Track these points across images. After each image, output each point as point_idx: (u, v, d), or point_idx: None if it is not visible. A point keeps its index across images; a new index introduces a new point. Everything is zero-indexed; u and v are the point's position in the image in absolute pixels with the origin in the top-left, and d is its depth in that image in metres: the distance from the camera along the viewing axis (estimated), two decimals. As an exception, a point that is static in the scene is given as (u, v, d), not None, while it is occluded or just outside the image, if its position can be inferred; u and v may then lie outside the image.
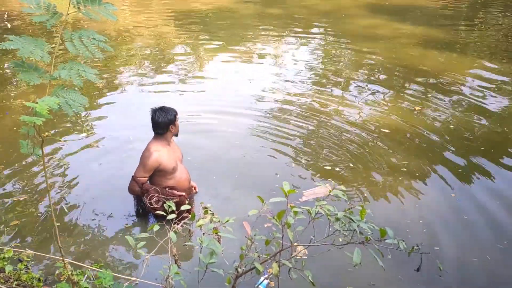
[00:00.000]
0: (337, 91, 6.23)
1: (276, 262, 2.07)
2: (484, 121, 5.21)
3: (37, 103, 1.59)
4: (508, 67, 7.06)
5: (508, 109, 5.56)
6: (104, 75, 6.84)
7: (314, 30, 9.90)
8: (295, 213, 2.06)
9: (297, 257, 2.16)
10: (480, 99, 5.80)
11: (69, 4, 1.89)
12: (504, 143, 4.77)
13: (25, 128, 1.77)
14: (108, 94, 6.13)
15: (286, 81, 6.61)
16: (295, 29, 9.96)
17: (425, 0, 13.35)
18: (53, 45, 1.98)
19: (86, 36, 1.92)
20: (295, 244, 2.10)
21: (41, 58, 1.81)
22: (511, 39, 8.81)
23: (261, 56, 7.91)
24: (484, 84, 6.32)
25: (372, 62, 7.39)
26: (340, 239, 2.02)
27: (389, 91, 6.17)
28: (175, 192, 3.33)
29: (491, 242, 3.30)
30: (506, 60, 7.46)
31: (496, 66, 7.10)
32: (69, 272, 1.99)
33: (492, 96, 5.92)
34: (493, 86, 6.25)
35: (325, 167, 4.31)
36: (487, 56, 7.75)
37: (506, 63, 7.31)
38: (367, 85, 6.37)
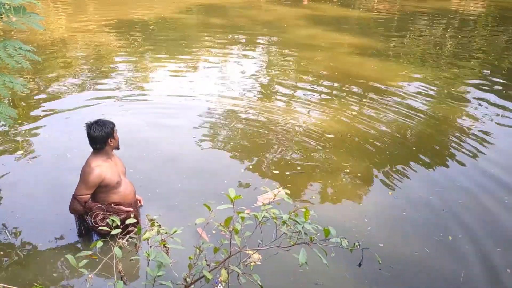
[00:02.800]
0: (280, 99, 6.40)
1: (225, 268, 2.08)
2: (414, 123, 5.61)
3: None
4: (434, 73, 7.68)
5: (434, 111, 6.04)
6: (37, 86, 6.47)
7: (257, 39, 10.10)
8: (242, 218, 2.09)
9: (251, 263, 2.18)
10: (410, 103, 6.24)
11: None
12: (432, 142, 5.17)
13: None
14: (43, 106, 5.81)
15: (230, 89, 6.67)
16: (239, 38, 10.11)
17: (359, 12, 14.18)
18: None
19: (11, 46, 1.83)
20: (244, 249, 2.13)
21: None
22: (437, 48, 9.59)
23: (205, 66, 7.93)
24: (414, 89, 6.82)
25: (313, 70, 7.69)
26: (290, 242, 2.07)
27: (330, 98, 6.45)
28: (122, 208, 3.21)
29: (428, 235, 3.54)
30: (433, 67, 8.11)
31: (424, 73, 7.70)
32: (3, 297, 1.85)
33: (421, 100, 6.40)
34: (422, 91, 6.76)
35: (274, 171, 4.40)
36: (416, 63, 8.37)
37: (433, 69, 7.95)
38: (309, 92, 6.61)
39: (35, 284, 2.72)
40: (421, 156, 4.80)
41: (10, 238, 3.33)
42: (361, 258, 2.17)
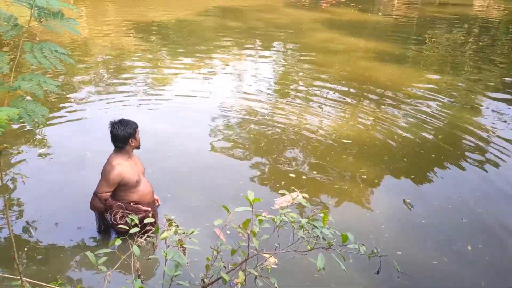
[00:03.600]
0: (297, 103, 6.39)
1: (242, 271, 2.09)
2: (432, 130, 5.54)
3: None
4: (454, 80, 7.57)
5: (453, 118, 5.95)
6: (61, 87, 6.60)
7: (273, 43, 10.12)
8: (260, 221, 2.09)
9: (268, 267, 2.18)
10: (429, 109, 6.16)
11: (31, 17, 1.87)
12: (451, 150, 5.09)
13: None
14: (64, 106, 5.93)
15: (247, 92, 6.70)
16: (255, 41, 10.14)
17: (378, 17, 14.08)
18: (10, 54, 1.96)
19: (47, 48, 1.90)
20: (262, 252, 2.13)
21: (0, 69, 1.76)
22: (456, 54, 9.46)
23: (221, 68, 7.97)
24: (431, 96, 6.73)
25: (330, 74, 7.66)
26: (308, 247, 2.07)
27: (347, 102, 6.42)
28: (141, 207, 3.26)
29: (447, 244, 3.48)
30: (452, 73, 8.00)
31: (443, 79, 7.59)
32: (27, 291, 1.90)
33: (439, 106, 6.31)
34: (441, 97, 6.67)
35: (290, 174, 4.40)
36: (435, 69, 8.26)
37: (453, 76, 7.83)
38: (325, 96, 6.58)
39: (56, 279, 2.77)
40: (440, 164, 4.73)
41: (34, 235, 3.39)
42: (379, 265, 2.15)
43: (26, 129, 5.17)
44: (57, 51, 1.91)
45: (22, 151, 4.67)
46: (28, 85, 1.82)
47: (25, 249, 3.25)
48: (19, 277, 1.85)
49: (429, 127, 5.61)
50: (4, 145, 1.71)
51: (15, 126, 5.15)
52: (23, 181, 3.86)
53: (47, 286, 2.08)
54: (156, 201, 3.58)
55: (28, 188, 3.96)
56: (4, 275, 2.72)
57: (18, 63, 1.88)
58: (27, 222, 3.54)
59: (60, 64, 1.88)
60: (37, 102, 1.85)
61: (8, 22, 1.88)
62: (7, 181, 4.06)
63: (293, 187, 4.10)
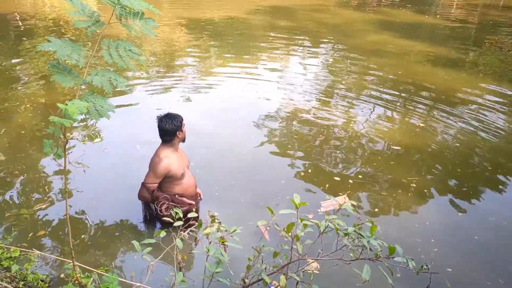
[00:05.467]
0: (345, 105, 6.24)
1: (284, 274, 2.06)
2: (489, 141, 5.20)
3: (67, 105, 1.61)
4: (515, 89, 7.07)
5: (514, 130, 5.56)
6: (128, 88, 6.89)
7: (323, 43, 9.96)
8: (305, 226, 2.05)
9: (309, 271, 2.14)
10: (486, 119, 5.79)
11: (112, 15, 1.92)
12: (508, 162, 4.75)
13: (52, 128, 1.79)
14: (116, 98, 6.17)
15: (294, 92, 6.64)
16: (305, 41, 10.03)
17: (434, 19, 13.45)
18: (87, 49, 2.06)
19: (122, 47, 1.96)
20: (305, 257, 2.09)
21: (77, 62, 1.84)
22: (519, 61, 8.83)
23: (269, 67, 7.96)
24: (489, 104, 6.33)
25: (380, 77, 7.42)
26: (351, 254, 2.00)
27: (397, 107, 6.18)
28: (186, 200, 3.33)
29: (503, 264, 3.26)
30: (514, 82, 7.47)
31: (503, 87, 7.10)
32: (78, 275, 1.98)
33: (497, 116, 5.92)
34: (499, 107, 6.25)
35: (335, 178, 4.30)
36: (494, 77, 7.76)
37: (514, 84, 7.32)
38: (375, 100, 6.38)
39: (104, 266, 2.89)
40: (496, 178, 4.43)
41: (90, 222, 3.56)
42: (428, 283, 2.03)
43: (81, 118, 5.43)
44: (131, 50, 1.97)
45: (79, 141, 4.90)
46: (99, 81, 1.88)
47: (79, 235, 3.41)
48: (71, 261, 1.93)
49: (486, 137, 5.27)
50: (71, 134, 1.80)
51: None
52: (84, 170, 4.04)
53: (95, 271, 2.16)
54: (198, 195, 3.64)
55: (81, 178, 4.15)
56: (58, 257, 2.87)
57: (93, 58, 1.96)
58: (83, 211, 3.69)
59: (132, 64, 1.93)
60: (105, 98, 1.92)
61: (91, 18, 1.92)
62: (63, 169, 4.27)
63: (340, 193, 4.01)
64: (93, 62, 6.12)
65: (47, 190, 3.96)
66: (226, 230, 2.31)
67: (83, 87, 1.95)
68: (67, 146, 1.97)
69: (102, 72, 1.93)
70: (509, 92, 6.85)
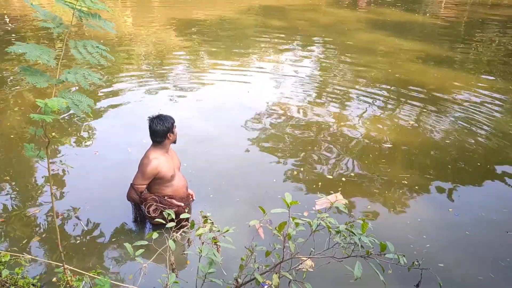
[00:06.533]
0: (336, 103, 6.26)
1: (277, 273, 2.06)
2: (479, 137, 5.25)
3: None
4: (503, 85, 7.14)
5: (502, 125, 5.61)
6: (102, 81, 6.84)
7: (315, 42, 9.99)
8: (297, 224, 2.05)
9: (303, 269, 2.14)
10: (475, 115, 5.85)
11: (72, 17, 2.03)
12: (498, 158, 4.80)
13: (33, 129, 1.80)
14: (105, 100, 6.13)
15: (285, 92, 6.64)
16: (296, 41, 10.05)
17: (424, 18, 13.56)
18: (58, 50, 2.14)
19: (90, 45, 2.06)
20: (298, 255, 2.09)
21: (47, 62, 1.90)
22: (507, 58, 8.93)
23: (261, 66, 7.96)
24: (479, 100, 6.39)
25: (371, 75, 7.45)
26: (343, 252, 2.01)
27: (389, 105, 6.22)
28: (174, 201, 3.32)
29: (494, 259, 3.29)
30: (502, 78, 7.55)
31: (492, 84, 7.18)
32: (69, 278, 1.97)
33: (487, 112, 5.98)
34: (489, 103, 6.32)
35: (327, 176, 4.32)
36: (483, 73, 7.84)
37: (502, 81, 7.40)
38: (366, 98, 6.41)
39: (95, 268, 2.87)
40: (486, 173, 4.48)
41: (82, 225, 3.53)
42: (419, 279, 2.04)
43: (72, 120, 5.39)
44: (99, 47, 2.06)
45: (68, 143, 4.86)
46: (74, 78, 1.94)
47: (71, 238, 3.38)
48: (62, 264, 1.92)
49: (476, 133, 5.33)
50: (53, 134, 1.79)
51: (64, 117, 5.38)
52: (68, 171, 4.02)
53: (87, 274, 2.14)
54: (191, 196, 3.63)
55: (70, 180, 4.13)
56: (48, 261, 2.84)
57: (69, 59, 2.01)
58: (75, 214, 3.66)
59: (102, 59, 2.01)
60: (82, 94, 1.97)
61: (54, 21, 2.03)
62: (55, 172, 4.24)
63: (331, 191, 4.02)
64: (67, 64, 6.06)
65: (39, 194, 3.93)
66: (218, 230, 2.31)
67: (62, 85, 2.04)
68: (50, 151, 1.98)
69: (74, 69, 2.03)
70: (497, 89, 6.92)
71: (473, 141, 5.15)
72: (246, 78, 7.26)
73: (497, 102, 6.39)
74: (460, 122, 5.65)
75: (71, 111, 2.13)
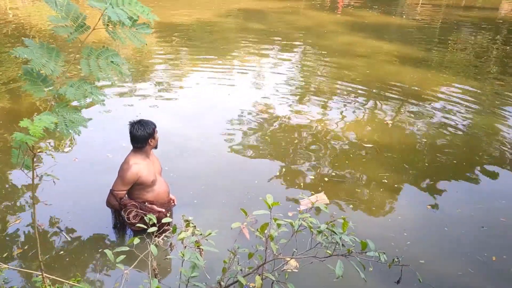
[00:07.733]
0: (317, 105, 6.32)
1: (259, 275, 2.07)
2: (455, 136, 5.39)
3: (33, 120, 1.50)
4: (478, 85, 7.36)
5: (477, 124, 5.78)
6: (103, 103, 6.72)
7: (295, 45, 10.07)
8: (279, 225, 2.06)
9: (288, 270, 2.15)
10: (451, 115, 6.01)
11: (99, 20, 1.71)
12: (473, 156, 4.94)
13: (17, 143, 1.66)
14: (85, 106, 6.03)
15: (266, 94, 6.67)
16: (276, 44, 10.10)
17: (401, 20, 13.84)
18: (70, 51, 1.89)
19: (104, 57, 1.78)
20: (281, 256, 2.10)
21: (52, 72, 1.68)
22: (481, 58, 9.20)
23: (242, 69, 7.97)
24: (455, 100, 6.56)
25: (350, 77, 7.56)
26: (326, 251, 2.03)
27: (367, 106, 6.32)
28: (155, 207, 3.27)
29: (472, 254, 3.37)
30: (477, 78, 7.78)
31: (467, 85, 7.39)
32: (48, 287, 1.92)
33: (463, 112, 6.15)
34: (464, 102, 6.49)
35: (310, 176, 4.35)
36: (459, 74, 8.06)
37: (477, 81, 7.62)
38: (346, 100, 6.50)
39: (75, 276, 2.81)
40: (462, 170, 4.60)
41: (63, 234, 3.46)
42: (400, 275, 2.08)
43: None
44: (113, 62, 1.78)
45: (47, 150, 4.75)
46: (73, 93, 1.72)
47: (52, 247, 3.32)
48: (39, 274, 1.87)
49: (452, 132, 5.47)
50: (39, 150, 1.73)
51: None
52: (54, 181, 3.92)
53: (67, 282, 2.10)
54: (172, 201, 3.59)
55: (50, 187, 4.02)
56: (26, 270, 2.77)
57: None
58: (55, 223, 3.59)
59: (112, 77, 1.77)
60: (79, 112, 1.74)
61: (75, 22, 1.72)
62: (36, 181, 4.13)
63: (312, 192, 4.06)
64: (65, 70, 5.93)
65: (21, 204, 3.83)
66: (201, 234, 2.30)
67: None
68: (35, 160, 1.86)
69: (78, 83, 1.76)
70: (472, 89, 7.12)
71: (449, 139, 5.28)
72: (226, 81, 7.25)
73: (472, 101, 6.57)
74: (437, 121, 5.79)
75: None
